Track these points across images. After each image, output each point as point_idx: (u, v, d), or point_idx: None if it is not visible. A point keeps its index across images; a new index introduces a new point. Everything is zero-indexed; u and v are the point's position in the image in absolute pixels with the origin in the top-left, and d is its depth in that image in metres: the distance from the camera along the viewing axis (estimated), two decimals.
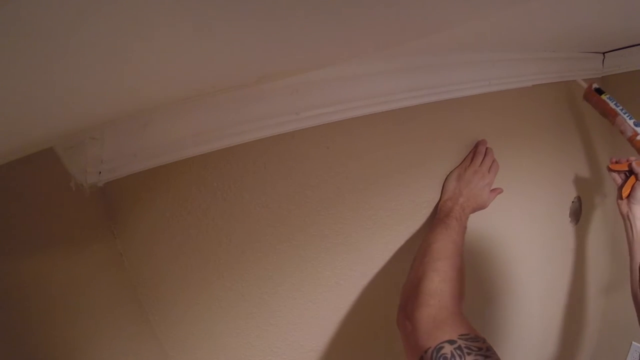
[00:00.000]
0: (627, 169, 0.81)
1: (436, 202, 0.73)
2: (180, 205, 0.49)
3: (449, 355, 0.40)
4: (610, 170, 0.84)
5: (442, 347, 0.41)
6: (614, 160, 0.84)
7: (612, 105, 0.87)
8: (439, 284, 0.51)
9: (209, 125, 0.48)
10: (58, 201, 0.42)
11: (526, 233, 0.95)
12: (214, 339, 0.52)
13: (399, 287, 0.58)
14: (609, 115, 0.88)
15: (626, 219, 0.80)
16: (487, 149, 0.76)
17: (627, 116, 0.85)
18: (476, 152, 0.75)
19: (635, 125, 0.83)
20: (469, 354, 0.39)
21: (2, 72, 0.20)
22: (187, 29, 0.24)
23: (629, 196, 0.79)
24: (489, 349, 0.40)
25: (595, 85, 0.91)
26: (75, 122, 0.37)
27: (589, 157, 1.12)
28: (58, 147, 0.41)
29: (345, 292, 0.63)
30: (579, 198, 1.10)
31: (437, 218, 0.68)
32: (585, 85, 0.95)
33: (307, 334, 0.60)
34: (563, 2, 0.48)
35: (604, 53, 1.12)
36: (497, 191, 0.74)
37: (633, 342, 1.23)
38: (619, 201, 0.82)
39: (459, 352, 0.40)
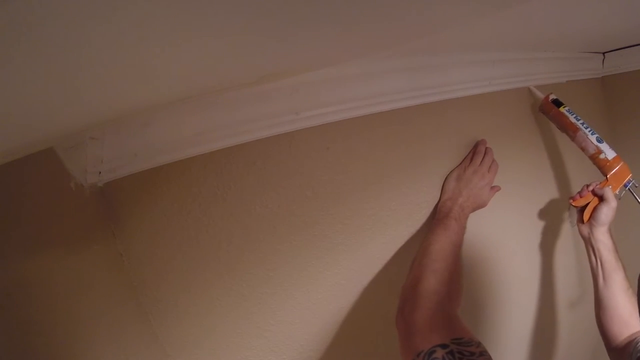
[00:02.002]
0: (591, 199, 0.75)
1: (436, 202, 0.73)
2: (180, 206, 0.49)
3: None
4: (574, 207, 0.78)
5: (434, 351, 0.41)
6: (577, 196, 0.76)
7: (572, 119, 0.79)
8: (435, 285, 0.51)
9: (209, 125, 0.48)
10: (58, 201, 0.42)
11: (525, 233, 0.95)
12: (214, 339, 0.52)
13: (399, 287, 0.58)
14: (568, 130, 0.80)
15: (588, 244, 0.75)
16: (486, 148, 0.76)
17: (590, 131, 0.77)
18: (476, 152, 0.75)
19: (598, 141, 0.76)
20: (460, 359, 0.39)
21: (2, 72, 0.20)
22: (187, 30, 0.24)
23: (590, 218, 0.74)
24: (482, 353, 0.40)
25: (552, 96, 0.83)
26: (75, 122, 0.37)
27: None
28: (58, 147, 0.41)
29: (346, 292, 0.63)
30: None
31: (436, 219, 0.68)
32: (540, 95, 0.85)
33: (307, 334, 0.60)
34: (563, 2, 0.48)
35: (604, 53, 1.12)
36: (495, 189, 0.74)
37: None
38: (579, 224, 0.77)
39: (450, 356, 0.40)
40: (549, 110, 0.84)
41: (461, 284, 0.56)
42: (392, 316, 0.54)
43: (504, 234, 0.88)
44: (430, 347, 0.41)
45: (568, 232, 1.09)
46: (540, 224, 1.00)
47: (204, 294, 0.51)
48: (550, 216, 1.03)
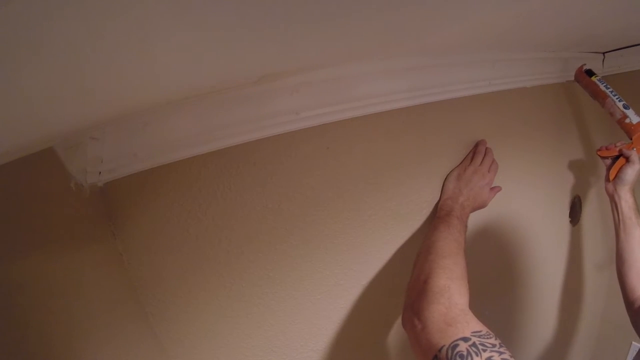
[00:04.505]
0: (616, 154, 0.82)
1: (436, 201, 0.73)
2: (180, 205, 0.49)
3: (465, 353, 0.39)
4: (599, 156, 0.86)
5: (457, 345, 0.40)
6: (603, 147, 0.84)
7: (602, 87, 0.87)
8: (446, 281, 0.51)
9: (209, 125, 0.48)
10: (58, 201, 0.42)
11: (525, 233, 0.95)
12: (213, 338, 0.52)
13: (398, 286, 0.58)
14: (598, 97, 0.88)
15: (612, 200, 0.82)
16: (486, 148, 0.76)
17: (617, 98, 0.85)
18: (476, 152, 0.75)
19: (625, 107, 0.83)
20: (484, 350, 0.39)
21: (2, 72, 0.20)
22: (187, 30, 0.24)
23: (615, 177, 0.81)
24: (501, 345, 0.40)
25: (586, 67, 0.91)
26: (75, 122, 0.37)
27: (590, 157, 1.12)
28: (58, 147, 0.41)
29: (345, 291, 0.63)
30: (578, 198, 1.10)
31: (437, 217, 0.68)
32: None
33: (307, 333, 0.60)
34: (563, 2, 0.48)
35: (604, 53, 1.12)
36: (496, 190, 0.74)
37: (633, 342, 1.23)
38: (606, 183, 0.84)
39: (474, 349, 0.39)
40: (582, 79, 0.91)
41: (468, 281, 0.56)
42: (392, 315, 0.54)
43: (504, 233, 0.89)
44: (452, 342, 0.41)
45: (568, 229, 1.09)
46: (540, 224, 1.00)
47: (203, 293, 0.51)
48: (551, 215, 1.03)
